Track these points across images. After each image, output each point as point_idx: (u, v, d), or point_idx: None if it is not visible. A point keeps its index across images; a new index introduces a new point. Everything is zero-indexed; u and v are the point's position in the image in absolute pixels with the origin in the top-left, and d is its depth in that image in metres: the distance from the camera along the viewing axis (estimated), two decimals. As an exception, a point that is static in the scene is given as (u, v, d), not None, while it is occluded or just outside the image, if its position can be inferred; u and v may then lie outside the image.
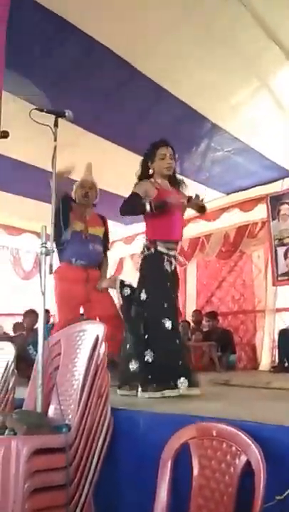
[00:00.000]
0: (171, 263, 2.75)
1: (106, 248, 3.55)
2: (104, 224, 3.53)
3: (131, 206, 2.80)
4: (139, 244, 7.90)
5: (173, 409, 2.01)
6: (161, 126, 4.09)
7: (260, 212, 5.97)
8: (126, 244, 7.57)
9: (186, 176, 4.43)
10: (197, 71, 3.65)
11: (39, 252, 2.07)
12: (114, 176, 4.62)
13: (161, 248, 2.73)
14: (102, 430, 1.81)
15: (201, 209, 2.95)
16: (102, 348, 1.89)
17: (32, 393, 2.06)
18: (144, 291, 2.71)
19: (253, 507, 1.31)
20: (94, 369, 1.86)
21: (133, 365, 2.64)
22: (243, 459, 1.40)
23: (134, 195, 2.79)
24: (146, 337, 2.61)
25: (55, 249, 3.01)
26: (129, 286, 2.98)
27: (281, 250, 5.64)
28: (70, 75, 3.51)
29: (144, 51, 3.39)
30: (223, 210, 6.13)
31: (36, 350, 2.13)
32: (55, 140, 2.24)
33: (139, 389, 2.54)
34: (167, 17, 3.08)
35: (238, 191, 6.01)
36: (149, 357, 2.55)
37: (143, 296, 2.70)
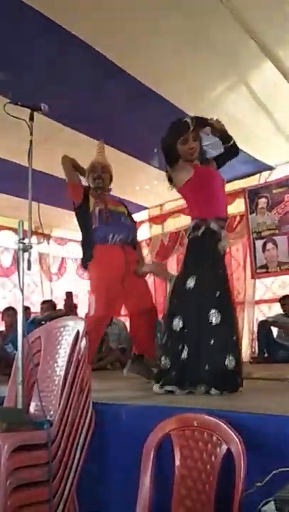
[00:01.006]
0: (222, 245, 2.44)
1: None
2: (125, 206, 3.24)
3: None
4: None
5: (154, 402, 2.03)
6: (142, 122, 4.10)
7: (239, 205, 6.03)
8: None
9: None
10: (176, 67, 3.66)
11: (17, 249, 2.04)
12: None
13: (213, 226, 2.41)
14: (84, 425, 1.82)
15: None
16: (83, 343, 1.89)
17: (12, 390, 2.04)
18: (192, 277, 2.33)
19: (234, 494, 1.33)
20: (75, 364, 1.85)
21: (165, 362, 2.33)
22: (224, 448, 1.43)
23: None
24: (186, 331, 2.30)
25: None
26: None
27: (259, 243, 5.71)
28: (46, 69, 3.47)
29: (124, 48, 3.38)
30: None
31: (16, 348, 2.11)
32: (31, 134, 2.21)
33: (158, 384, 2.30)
34: (147, 14, 3.08)
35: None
36: (184, 354, 2.27)
37: (190, 283, 2.32)
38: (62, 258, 7.82)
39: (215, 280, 2.33)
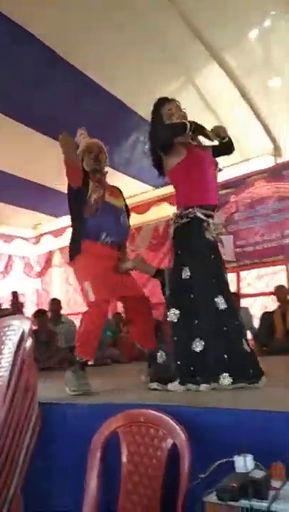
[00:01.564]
0: (210, 231, 2.35)
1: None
2: (122, 195, 2.93)
3: (173, 128, 2.39)
4: (69, 236, 7.76)
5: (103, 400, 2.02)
6: (89, 117, 4.05)
7: (187, 205, 6.14)
8: (55, 238, 7.43)
9: (116, 169, 4.46)
10: (126, 64, 3.67)
11: None
12: (39, 166, 4.50)
13: (199, 214, 2.33)
14: (29, 425, 1.77)
15: (224, 144, 2.55)
16: (29, 343, 1.85)
17: None
18: (186, 268, 2.28)
19: (180, 487, 1.36)
20: (20, 364, 1.80)
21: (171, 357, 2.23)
22: (170, 442, 1.45)
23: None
24: (196, 322, 2.21)
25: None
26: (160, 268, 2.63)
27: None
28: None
29: (72, 42, 3.34)
30: (153, 203, 6.24)
31: None
32: None
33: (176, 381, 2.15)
34: (92, 9, 3.06)
35: (166, 185, 6.13)
36: (197, 346, 2.16)
37: (186, 273, 2.27)
38: (9, 256, 7.60)
39: (208, 267, 2.29)
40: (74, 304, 7.29)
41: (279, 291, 5.10)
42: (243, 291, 5.82)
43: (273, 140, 5.32)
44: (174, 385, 2.13)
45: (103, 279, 2.49)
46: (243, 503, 1.04)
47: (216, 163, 2.55)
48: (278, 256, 5.47)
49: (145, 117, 4.38)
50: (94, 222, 2.55)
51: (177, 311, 2.26)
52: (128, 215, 2.86)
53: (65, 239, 7.22)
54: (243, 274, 5.91)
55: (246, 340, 2.25)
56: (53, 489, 1.87)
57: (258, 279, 5.81)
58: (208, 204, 2.40)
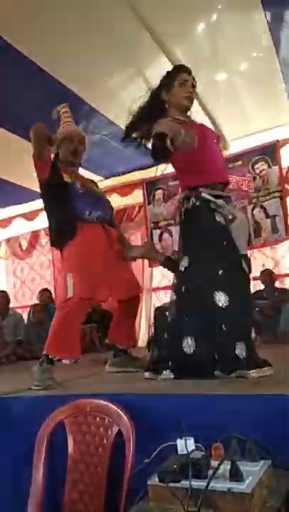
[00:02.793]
0: (222, 214, 2.06)
1: None
2: (96, 185, 2.78)
3: (160, 148, 2.01)
4: (16, 227, 7.48)
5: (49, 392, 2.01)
6: (37, 106, 3.94)
7: (137, 196, 6.17)
8: (0, 228, 7.19)
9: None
10: (74, 53, 3.59)
11: None
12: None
13: (206, 195, 2.06)
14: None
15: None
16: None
17: None
18: (185, 257, 2.06)
19: (124, 472, 1.39)
20: None
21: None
22: (115, 429, 1.48)
23: (159, 135, 1.99)
24: (186, 320, 1.99)
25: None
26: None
27: (156, 233, 5.93)
28: None
29: (18, 28, 3.22)
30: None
31: None
32: None
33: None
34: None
35: (115, 176, 6.11)
36: (187, 347, 1.94)
37: (183, 264, 2.05)
38: None
39: (214, 257, 2.00)
40: (22, 296, 7.13)
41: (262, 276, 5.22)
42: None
43: (220, 133, 5.44)
44: (167, 374, 1.98)
45: (89, 274, 2.30)
46: (184, 483, 1.08)
47: (218, 136, 2.28)
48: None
49: (95, 107, 4.34)
50: (74, 205, 2.38)
51: (173, 306, 2.08)
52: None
53: (12, 230, 7.06)
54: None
55: (245, 342, 1.90)
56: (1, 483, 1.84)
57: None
58: (216, 182, 2.12)
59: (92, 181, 2.76)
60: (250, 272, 2.12)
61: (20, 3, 2.99)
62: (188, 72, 2.31)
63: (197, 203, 2.07)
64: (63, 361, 2.29)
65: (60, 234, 2.42)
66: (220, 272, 1.97)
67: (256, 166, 5.38)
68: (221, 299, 1.92)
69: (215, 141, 2.23)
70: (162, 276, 6.11)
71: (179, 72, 2.31)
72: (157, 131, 2.02)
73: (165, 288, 6.10)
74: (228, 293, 1.93)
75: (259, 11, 3.43)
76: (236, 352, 1.85)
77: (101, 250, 2.38)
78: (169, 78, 2.31)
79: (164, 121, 2.08)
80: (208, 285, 1.96)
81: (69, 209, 2.38)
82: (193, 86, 2.32)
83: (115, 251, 2.47)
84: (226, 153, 5.77)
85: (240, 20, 3.60)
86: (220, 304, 1.91)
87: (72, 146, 2.55)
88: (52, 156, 2.60)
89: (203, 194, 2.07)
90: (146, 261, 6.00)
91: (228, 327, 1.90)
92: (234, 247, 2.05)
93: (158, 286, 6.17)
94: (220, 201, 2.08)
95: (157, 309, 5.38)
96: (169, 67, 4.03)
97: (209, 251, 2.01)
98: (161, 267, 5.66)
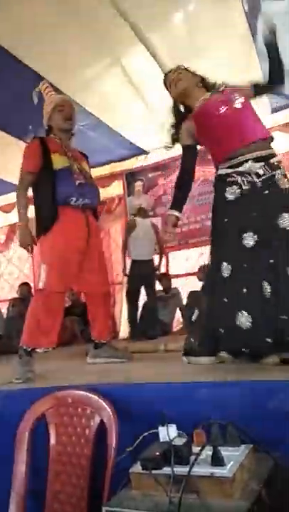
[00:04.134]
0: (239, 185, 1.89)
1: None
2: (88, 162, 2.70)
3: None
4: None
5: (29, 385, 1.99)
6: (12, 95, 3.87)
7: (117, 188, 6.14)
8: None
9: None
10: (50, 42, 3.53)
11: None
12: None
13: (221, 171, 1.98)
14: None
15: None
16: None
17: None
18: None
19: (107, 462, 1.39)
20: None
21: None
22: (97, 419, 1.47)
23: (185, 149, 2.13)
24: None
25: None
26: None
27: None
28: None
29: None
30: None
31: None
32: None
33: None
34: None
35: (94, 167, 6.04)
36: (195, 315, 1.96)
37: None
38: None
39: (213, 231, 2.00)
40: (0, 290, 7.04)
41: (200, 272, 5.30)
42: (173, 271, 5.97)
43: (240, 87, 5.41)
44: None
45: (62, 266, 2.31)
46: (166, 470, 1.09)
47: (234, 98, 2.04)
48: (203, 237, 5.66)
49: (71, 96, 4.27)
50: (63, 188, 2.34)
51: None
52: None
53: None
54: (171, 255, 6.05)
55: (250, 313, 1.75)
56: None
57: (186, 260, 5.99)
58: (234, 149, 1.93)
59: (83, 155, 2.67)
60: None
61: (4, 5, 2.91)
62: (172, 70, 2.30)
63: (214, 183, 2.04)
64: (37, 350, 2.27)
65: (43, 220, 2.39)
66: (225, 247, 1.90)
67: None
68: (225, 271, 1.84)
69: (224, 107, 2.00)
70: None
71: (166, 77, 2.33)
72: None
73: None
74: (231, 264, 1.85)
75: (236, 0, 3.43)
76: (237, 323, 1.74)
77: (77, 244, 2.37)
78: (166, 87, 2.34)
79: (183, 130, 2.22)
80: (218, 258, 1.91)
81: (54, 194, 2.34)
82: (180, 73, 2.25)
83: (92, 244, 2.45)
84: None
85: (217, 8, 3.59)
86: (224, 275, 1.84)
87: (63, 113, 2.51)
88: (45, 126, 2.58)
89: (219, 171, 2.00)
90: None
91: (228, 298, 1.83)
92: (236, 220, 1.87)
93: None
94: (241, 169, 1.90)
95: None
96: (148, 59, 4.03)
97: (217, 228, 1.98)
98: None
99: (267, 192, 1.87)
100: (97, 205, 2.59)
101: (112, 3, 3.27)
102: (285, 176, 1.92)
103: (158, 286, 5.38)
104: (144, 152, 5.95)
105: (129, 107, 4.66)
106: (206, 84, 2.21)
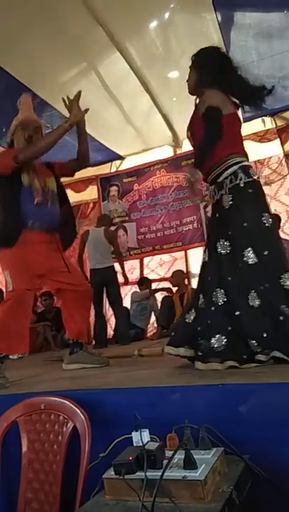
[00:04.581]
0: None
1: (67, 201, 2.62)
2: (54, 171, 2.56)
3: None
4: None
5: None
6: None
7: (92, 192, 6.13)
8: None
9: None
10: (26, 46, 3.52)
11: None
12: None
13: None
14: None
15: None
16: None
17: None
18: None
19: (80, 468, 1.39)
20: None
21: None
22: (70, 425, 1.46)
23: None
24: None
25: None
26: None
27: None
28: None
29: None
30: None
31: None
32: None
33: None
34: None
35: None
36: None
37: None
38: None
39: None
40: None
41: (173, 276, 5.35)
42: (148, 276, 5.99)
43: (173, 131, 5.52)
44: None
45: (25, 268, 2.30)
46: (139, 474, 1.09)
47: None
48: (177, 243, 5.72)
49: (47, 100, 4.26)
50: (19, 209, 2.30)
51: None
52: (63, 192, 2.59)
53: None
54: (146, 260, 6.08)
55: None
56: None
57: (159, 265, 6.03)
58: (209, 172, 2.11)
59: (48, 167, 2.58)
60: None
61: None
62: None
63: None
64: (10, 357, 2.25)
65: (1, 237, 2.35)
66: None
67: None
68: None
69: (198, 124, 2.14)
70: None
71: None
72: None
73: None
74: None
75: (210, 12, 3.51)
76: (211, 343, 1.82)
77: (41, 250, 2.36)
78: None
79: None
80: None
81: (14, 213, 2.31)
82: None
83: (60, 256, 2.45)
84: (178, 151, 5.87)
85: (192, 19, 3.67)
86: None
87: (26, 133, 2.43)
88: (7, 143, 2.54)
89: None
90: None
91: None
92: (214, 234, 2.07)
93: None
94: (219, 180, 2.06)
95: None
96: (123, 64, 4.06)
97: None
98: (115, 263, 5.61)
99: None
100: (57, 227, 2.48)
101: (88, 9, 3.29)
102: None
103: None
104: (119, 157, 5.98)
105: (105, 112, 4.68)
106: None
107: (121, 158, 6.01)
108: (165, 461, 1.11)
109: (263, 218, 1.95)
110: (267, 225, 1.95)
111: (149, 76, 4.35)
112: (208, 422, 1.26)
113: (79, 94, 2.33)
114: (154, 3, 3.60)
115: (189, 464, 1.08)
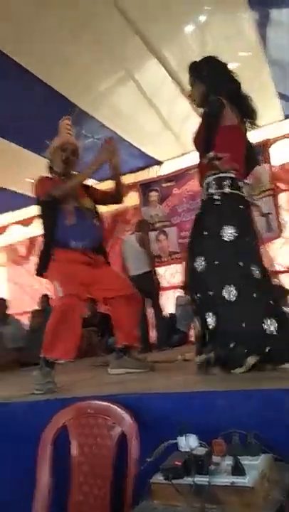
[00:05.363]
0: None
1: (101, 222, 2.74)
2: (88, 190, 2.72)
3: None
4: (13, 234, 7.51)
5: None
6: (32, 113, 3.97)
7: (132, 198, 6.19)
8: (-4, 235, 7.20)
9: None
10: (65, 57, 3.62)
11: None
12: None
13: None
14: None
15: None
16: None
17: None
18: None
19: (128, 472, 1.40)
20: None
21: None
22: (118, 429, 1.48)
23: None
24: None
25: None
26: None
27: (152, 235, 5.94)
28: None
29: (11, 36, 3.24)
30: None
31: None
32: None
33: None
34: (33, 3, 2.99)
35: (110, 179, 6.13)
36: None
37: None
38: None
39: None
40: (20, 303, 7.12)
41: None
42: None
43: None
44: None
45: (73, 275, 2.38)
46: (187, 479, 1.09)
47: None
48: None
49: (86, 110, 4.36)
50: (63, 230, 2.45)
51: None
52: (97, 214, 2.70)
53: (7, 237, 7.07)
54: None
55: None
56: (3, 488, 1.84)
57: None
58: None
59: (84, 187, 2.70)
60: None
61: (17, 19, 3.01)
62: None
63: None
64: (58, 362, 2.30)
65: (40, 265, 2.50)
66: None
67: (248, 165, 5.41)
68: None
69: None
70: (159, 277, 6.09)
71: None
72: None
73: (162, 289, 6.07)
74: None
75: (246, 11, 3.47)
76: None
77: (83, 263, 2.47)
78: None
79: None
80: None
81: (53, 232, 2.46)
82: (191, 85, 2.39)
83: (101, 268, 2.55)
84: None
85: (228, 20, 3.64)
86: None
87: (64, 155, 2.59)
88: (48, 159, 2.68)
89: None
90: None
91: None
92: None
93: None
94: None
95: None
96: (160, 70, 4.08)
97: None
98: (157, 268, 5.59)
99: None
100: (98, 243, 2.61)
101: (125, 19, 3.34)
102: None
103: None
104: (158, 163, 6.00)
105: (143, 119, 4.72)
106: None
107: (160, 163, 6.04)
108: (212, 467, 1.10)
109: (221, 231, 2.00)
110: (225, 238, 1.99)
111: (185, 79, 4.34)
112: (255, 428, 1.24)
113: (110, 140, 2.52)
114: (189, 8, 3.59)
115: (238, 470, 1.07)
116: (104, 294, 2.59)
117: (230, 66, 2.37)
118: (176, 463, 1.11)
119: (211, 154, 2.03)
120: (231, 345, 1.86)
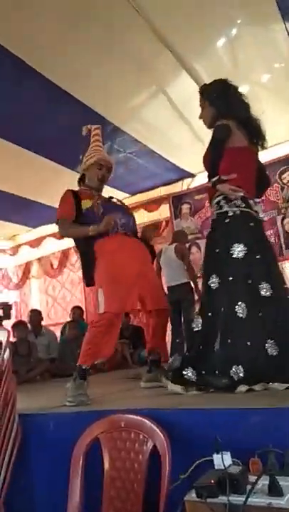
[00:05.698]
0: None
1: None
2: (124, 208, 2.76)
3: None
4: (46, 247, 7.66)
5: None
6: (63, 128, 4.07)
7: (164, 211, 6.21)
8: (32, 248, 7.37)
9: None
10: (95, 74, 3.70)
11: None
12: (15, 177, 4.48)
13: None
14: (10, 437, 1.77)
15: None
16: (6, 354, 1.84)
17: None
18: None
19: (161, 489, 1.38)
20: (-2, 376, 1.80)
21: None
22: (150, 444, 1.47)
23: None
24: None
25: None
26: None
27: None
28: None
29: (41, 53, 3.35)
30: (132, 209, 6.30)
31: None
32: None
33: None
34: (66, 21, 3.09)
35: (142, 192, 6.19)
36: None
37: None
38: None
39: None
40: (54, 314, 7.24)
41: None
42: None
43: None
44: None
45: (118, 286, 2.31)
46: (222, 498, 1.07)
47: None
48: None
49: (119, 126, 4.43)
50: (95, 220, 2.40)
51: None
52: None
53: (43, 249, 7.24)
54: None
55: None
56: (36, 500, 1.85)
57: None
58: None
59: (110, 198, 2.72)
60: None
61: (41, 27, 3.10)
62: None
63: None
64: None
65: (87, 277, 2.49)
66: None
67: (283, 176, 5.34)
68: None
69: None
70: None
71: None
72: None
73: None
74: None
75: (278, 22, 3.45)
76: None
77: (126, 257, 2.39)
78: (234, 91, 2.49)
79: None
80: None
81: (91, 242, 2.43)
82: (202, 106, 2.48)
83: (142, 258, 2.50)
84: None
85: (259, 32, 3.63)
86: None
87: (100, 173, 2.61)
88: (80, 172, 2.71)
89: None
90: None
91: None
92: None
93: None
94: None
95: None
96: (191, 84, 4.11)
97: None
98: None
99: None
100: (134, 226, 2.62)
101: (154, 33, 3.39)
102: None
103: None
104: (190, 175, 6.00)
105: (174, 132, 4.75)
106: None
107: (192, 175, 6.04)
108: (248, 487, 1.07)
109: (231, 248, 2.05)
110: (234, 256, 2.04)
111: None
112: (293, 447, 1.19)
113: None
114: (220, 21, 3.61)
115: (275, 490, 1.03)
116: (148, 307, 2.50)
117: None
118: (211, 481, 1.09)
119: (215, 178, 2.15)
120: (233, 369, 1.86)
